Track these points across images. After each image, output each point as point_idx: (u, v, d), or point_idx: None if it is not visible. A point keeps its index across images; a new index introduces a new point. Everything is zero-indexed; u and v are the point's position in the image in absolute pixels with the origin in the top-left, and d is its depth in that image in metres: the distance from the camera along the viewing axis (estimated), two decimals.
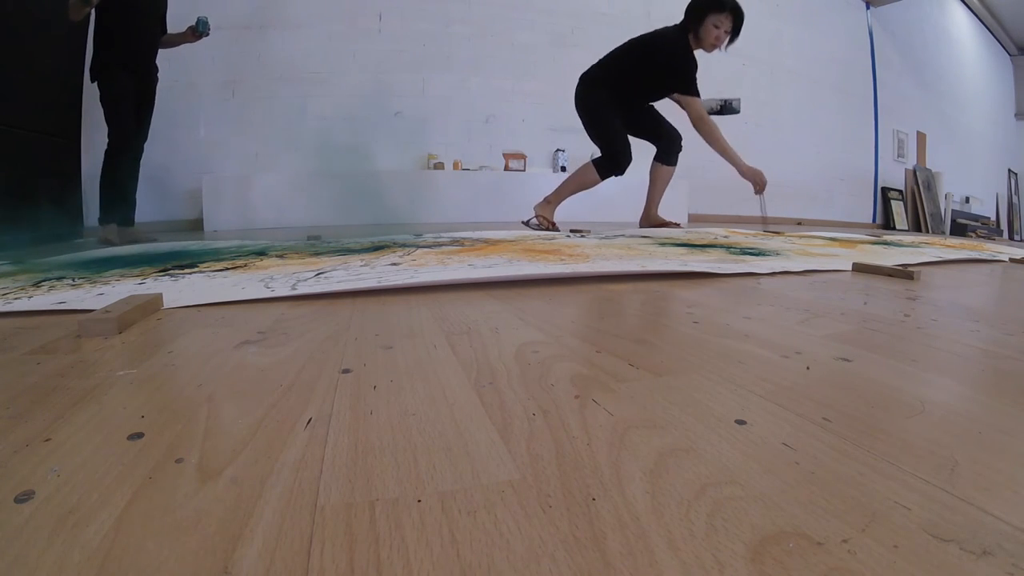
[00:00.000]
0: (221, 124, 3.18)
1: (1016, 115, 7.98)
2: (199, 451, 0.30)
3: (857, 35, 5.27)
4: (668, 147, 2.45)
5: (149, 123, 2.20)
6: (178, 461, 0.29)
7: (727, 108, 2.58)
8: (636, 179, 3.79)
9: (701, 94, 2.27)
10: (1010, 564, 0.21)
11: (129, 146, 2.08)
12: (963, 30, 6.65)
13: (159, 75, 2.21)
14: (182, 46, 2.24)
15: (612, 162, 2.26)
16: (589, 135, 2.36)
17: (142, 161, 2.19)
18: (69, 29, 2.23)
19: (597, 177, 2.29)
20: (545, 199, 2.35)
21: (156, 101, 2.19)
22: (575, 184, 2.34)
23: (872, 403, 0.38)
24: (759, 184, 2.28)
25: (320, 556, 0.21)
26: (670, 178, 2.51)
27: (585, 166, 2.31)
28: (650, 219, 2.55)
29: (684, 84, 2.19)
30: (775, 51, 4.60)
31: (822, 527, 0.23)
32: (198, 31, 2.18)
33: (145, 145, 2.19)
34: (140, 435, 0.32)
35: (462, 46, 3.53)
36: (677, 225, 2.46)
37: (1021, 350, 0.54)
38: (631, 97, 2.29)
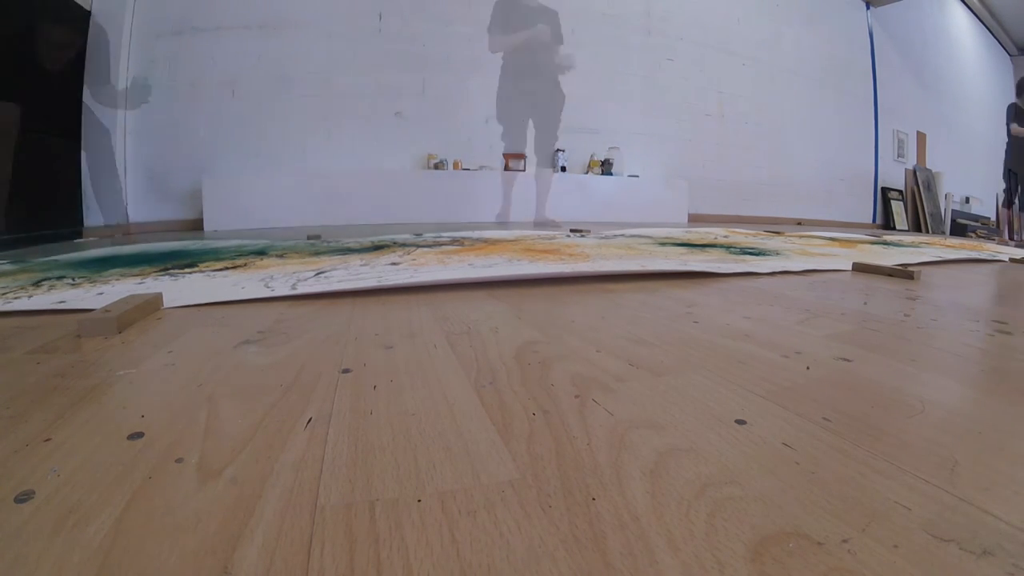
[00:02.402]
0: (221, 124, 3.18)
1: None
2: (199, 451, 0.30)
3: (857, 35, 5.27)
4: None
5: None
6: (178, 461, 0.29)
7: None
8: (637, 178, 3.81)
9: None
10: (1010, 564, 0.21)
11: None
12: (963, 30, 6.65)
13: None
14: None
15: None
16: None
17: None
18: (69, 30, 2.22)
19: None
20: None
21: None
22: None
23: (872, 403, 0.38)
24: None
25: (320, 556, 0.21)
26: None
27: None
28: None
29: None
30: (775, 51, 4.60)
31: (822, 527, 0.23)
32: None
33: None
34: (140, 435, 0.32)
35: (462, 46, 3.53)
36: None
37: (1021, 350, 0.54)
38: None
